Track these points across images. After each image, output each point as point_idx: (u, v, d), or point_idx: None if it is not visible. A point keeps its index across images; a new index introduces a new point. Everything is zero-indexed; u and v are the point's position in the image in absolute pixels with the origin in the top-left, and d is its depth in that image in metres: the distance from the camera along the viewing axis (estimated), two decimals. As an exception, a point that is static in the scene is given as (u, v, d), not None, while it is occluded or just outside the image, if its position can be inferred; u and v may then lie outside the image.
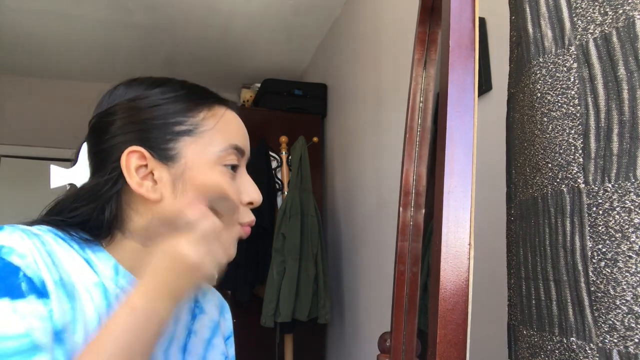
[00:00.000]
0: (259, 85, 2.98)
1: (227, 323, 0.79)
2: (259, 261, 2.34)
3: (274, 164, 2.53)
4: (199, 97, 0.64)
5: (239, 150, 0.64)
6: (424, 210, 0.54)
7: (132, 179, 0.58)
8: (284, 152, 2.50)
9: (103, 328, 0.50)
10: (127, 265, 0.60)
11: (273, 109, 2.77)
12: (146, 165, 0.59)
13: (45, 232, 0.55)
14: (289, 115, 2.78)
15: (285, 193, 2.40)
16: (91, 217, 0.59)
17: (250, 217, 0.65)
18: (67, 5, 2.50)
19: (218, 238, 0.55)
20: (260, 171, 2.46)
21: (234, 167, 0.63)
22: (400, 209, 0.55)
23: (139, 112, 0.61)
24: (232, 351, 0.77)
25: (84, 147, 0.64)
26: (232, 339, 0.78)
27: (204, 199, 0.59)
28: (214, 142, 0.62)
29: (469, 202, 0.28)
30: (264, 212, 2.38)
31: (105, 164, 0.60)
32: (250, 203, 0.65)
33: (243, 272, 2.33)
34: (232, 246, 0.63)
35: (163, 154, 0.60)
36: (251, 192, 0.65)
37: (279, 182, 2.52)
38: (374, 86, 2.12)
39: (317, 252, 2.22)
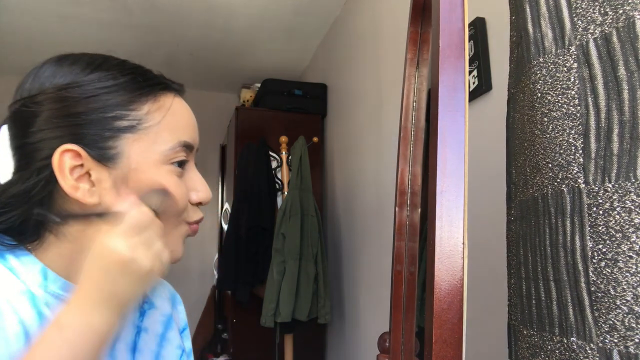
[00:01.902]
0: (259, 85, 2.98)
1: (181, 315, 0.74)
2: (259, 261, 2.34)
3: (274, 164, 2.53)
4: (142, 85, 0.56)
5: (187, 147, 0.58)
6: (420, 210, 0.54)
7: (66, 181, 0.51)
8: (284, 152, 2.50)
9: (28, 352, 0.44)
10: (60, 270, 0.54)
11: (273, 109, 2.77)
12: (82, 165, 0.52)
13: None
14: (289, 115, 2.78)
15: (285, 193, 2.40)
16: (16, 222, 0.53)
17: (198, 216, 0.61)
18: (67, 5, 2.50)
19: (153, 230, 0.50)
20: (260, 171, 2.46)
21: (182, 164, 0.58)
22: (397, 208, 0.55)
23: (72, 103, 0.52)
24: (188, 344, 0.72)
25: (3, 134, 0.55)
26: (187, 332, 0.74)
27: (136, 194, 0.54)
28: (160, 139, 0.55)
29: (462, 201, 0.28)
30: (264, 212, 2.38)
31: (31, 161, 0.52)
32: (200, 203, 0.61)
33: (243, 272, 2.34)
34: (178, 245, 0.59)
35: (102, 153, 0.52)
36: (200, 191, 0.60)
37: (279, 182, 2.52)
38: (374, 86, 2.12)
39: (317, 252, 2.22)
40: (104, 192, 0.53)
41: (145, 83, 0.56)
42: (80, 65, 0.55)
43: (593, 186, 0.46)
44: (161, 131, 0.56)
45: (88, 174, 0.53)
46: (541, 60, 0.51)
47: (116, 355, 0.59)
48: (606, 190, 0.45)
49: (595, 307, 0.45)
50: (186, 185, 0.59)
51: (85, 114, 0.53)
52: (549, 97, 0.50)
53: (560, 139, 0.49)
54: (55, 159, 0.51)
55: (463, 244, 0.27)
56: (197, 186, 0.60)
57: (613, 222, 0.44)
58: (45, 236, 0.55)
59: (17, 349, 0.48)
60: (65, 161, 0.51)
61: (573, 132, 0.48)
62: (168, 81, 0.60)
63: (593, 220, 0.45)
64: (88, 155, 0.52)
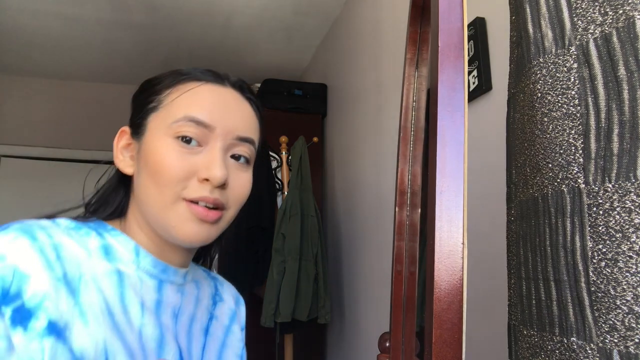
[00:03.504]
0: (259, 85, 2.97)
1: (242, 314, 0.80)
2: (259, 261, 2.34)
3: (274, 164, 2.53)
4: (176, 76, 0.63)
5: (198, 123, 0.58)
6: (420, 210, 0.54)
7: (115, 153, 0.64)
8: (284, 152, 2.50)
9: None
10: (147, 246, 0.62)
11: (273, 109, 2.77)
12: (130, 144, 0.64)
13: (57, 225, 0.57)
14: (289, 115, 2.77)
15: (285, 193, 2.39)
16: (113, 202, 0.65)
17: (199, 193, 0.57)
18: (67, 5, 2.50)
19: None
20: (260, 171, 2.46)
21: (189, 140, 0.58)
22: (397, 208, 0.55)
23: (133, 99, 0.66)
24: (242, 344, 0.78)
25: None
26: (243, 333, 0.79)
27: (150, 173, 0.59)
28: (170, 113, 0.60)
29: (462, 201, 0.28)
30: (264, 212, 2.38)
31: None
32: (206, 180, 0.58)
33: (243, 272, 2.33)
34: (183, 223, 0.57)
35: (136, 130, 0.63)
36: (212, 168, 0.57)
37: (279, 182, 2.52)
38: (374, 86, 2.12)
39: (317, 252, 2.22)
40: (135, 163, 0.62)
41: (179, 75, 0.63)
42: (159, 74, 0.66)
43: (593, 186, 0.46)
44: (173, 106, 0.60)
45: (132, 149, 0.64)
46: (541, 60, 0.51)
47: (193, 332, 0.65)
48: (606, 191, 0.45)
49: (595, 307, 0.45)
50: (198, 162, 0.58)
51: (135, 103, 0.65)
52: (549, 97, 0.50)
53: (560, 139, 0.49)
54: (116, 137, 0.65)
55: (463, 243, 0.27)
56: (209, 164, 0.58)
57: (613, 222, 0.44)
58: (130, 217, 0.64)
59: (105, 320, 0.53)
60: (122, 139, 0.65)
61: (573, 132, 0.48)
62: (205, 73, 0.64)
63: (593, 220, 0.45)
64: (130, 133, 0.64)
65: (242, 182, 0.62)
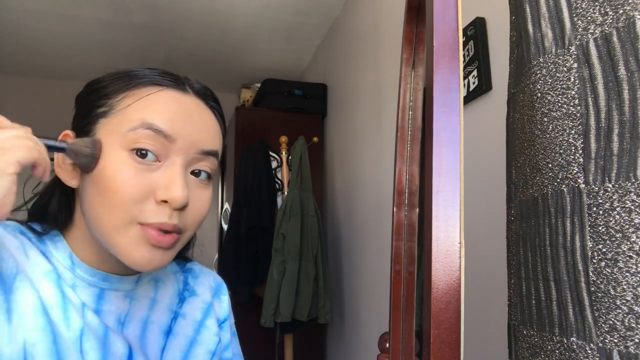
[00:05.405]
0: (259, 85, 2.98)
1: (223, 305, 0.74)
2: (259, 261, 2.34)
3: (274, 164, 2.53)
4: (130, 78, 0.57)
5: (157, 132, 0.53)
6: (417, 210, 0.54)
7: (56, 161, 0.56)
8: (284, 152, 2.50)
9: None
10: (82, 254, 0.58)
11: (273, 109, 2.77)
12: None
13: (4, 226, 0.56)
14: (289, 115, 2.78)
15: (285, 193, 2.40)
16: (54, 210, 0.60)
17: (157, 219, 0.52)
18: (67, 5, 2.50)
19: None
20: (260, 171, 2.46)
21: (144, 154, 0.53)
22: (395, 208, 0.55)
23: (79, 99, 0.60)
24: (227, 336, 0.73)
25: None
26: (227, 323, 0.74)
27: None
28: (124, 120, 0.54)
29: (458, 200, 0.28)
30: (264, 212, 2.38)
31: None
32: (165, 201, 0.52)
33: (243, 272, 2.34)
34: (129, 249, 0.52)
35: (82, 136, 0.56)
36: (171, 188, 0.52)
37: (279, 182, 2.52)
38: (374, 86, 2.12)
39: (317, 252, 2.22)
40: (78, 174, 0.57)
41: (134, 78, 0.57)
42: (106, 73, 0.61)
43: (593, 186, 0.46)
44: (128, 112, 0.54)
45: None
46: (541, 60, 0.51)
47: (148, 336, 0.62)
48: (606, 190, 0.45)
49: (595, 307, 0.45)
50: (157, 181, 0.53)
51: (80, 105, 0.59)
52: (549, 97, 0.50)
53: (560, 139, 0.49)
54: (58, 140, 0.57)
55: (460, 243, 0.27)
56: (168, 183, 0.53)
57: (613, 222, 0.44)
58: (71, 223, 0.59)
59: (33, 321, 0.52)
60: None
61: (573, 132, 0.48)
62: (164, 76, 0.58)
63: (593, 220, 0.45)
64: (74, 137, 0.57)
65: (202, 202, 0.57)
